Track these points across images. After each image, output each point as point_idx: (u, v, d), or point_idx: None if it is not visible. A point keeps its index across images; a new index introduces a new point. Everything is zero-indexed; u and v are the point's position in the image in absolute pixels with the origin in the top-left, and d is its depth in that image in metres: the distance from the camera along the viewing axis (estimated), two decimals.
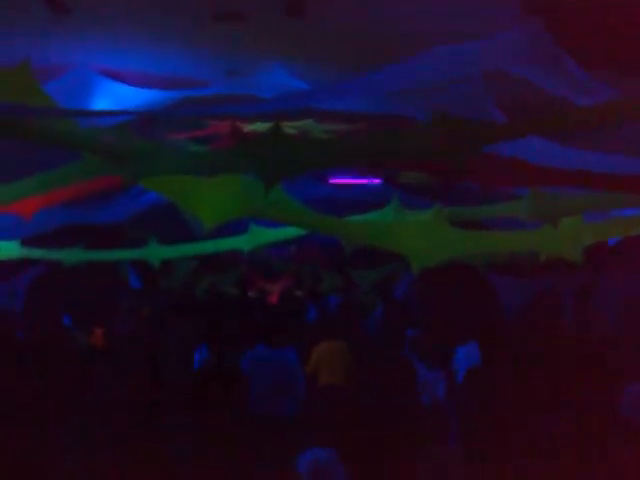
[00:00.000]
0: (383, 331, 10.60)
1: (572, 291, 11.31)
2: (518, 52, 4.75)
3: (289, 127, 7.27)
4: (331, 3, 5.59)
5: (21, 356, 6.77)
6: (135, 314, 11.89)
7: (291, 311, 12.53)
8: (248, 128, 7.47)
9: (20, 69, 4.46)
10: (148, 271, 11.49)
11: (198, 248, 9.91)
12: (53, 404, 5.99)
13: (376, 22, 5.75)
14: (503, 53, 4.76)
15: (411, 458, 5.89)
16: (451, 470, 6.41)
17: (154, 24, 6.00)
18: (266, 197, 5.16)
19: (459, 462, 6.30)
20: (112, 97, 6.42)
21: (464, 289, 11.54)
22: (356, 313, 12.29)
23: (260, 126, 7.23)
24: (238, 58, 6.78)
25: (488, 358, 6.75)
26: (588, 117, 3.99)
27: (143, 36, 6.24)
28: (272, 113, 5.58)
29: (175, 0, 5.58)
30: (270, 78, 6.43)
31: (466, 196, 7.82)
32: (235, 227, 8.37)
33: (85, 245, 10.11)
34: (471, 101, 5.58)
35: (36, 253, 10.08)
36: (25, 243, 9.69)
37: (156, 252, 10.09)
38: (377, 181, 10.49)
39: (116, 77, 6.75)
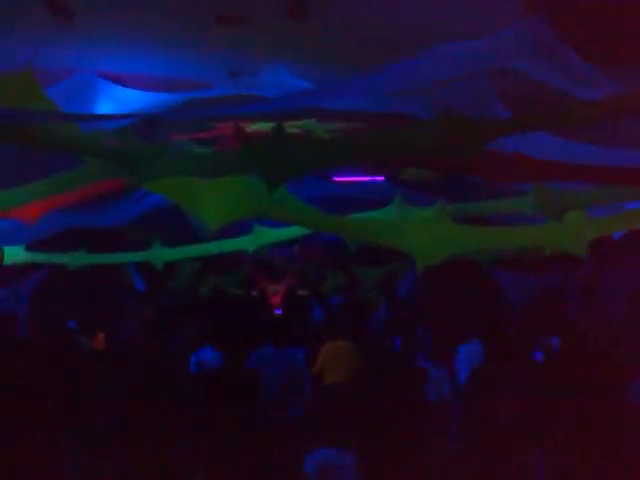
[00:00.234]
0: (387, 329, 10.60)
1: (577, 286, 11.30)
2: (521, 48, 4.74)
3: (292, 127, 7.28)
4: (333, 4, 5.59)
5: (25, 359, 6.78)
6: (139, 316, 11.91)
7: (296, 311, 12.54)
8: (251, 128, 7.48)
9: (23, 74, 4.47)
10: (152, 273, 11.49)
11: (202, 249, 9.90)
12: (56, 407, 6.00)
13: (378, 22, 5.76)
14: (506, 49, 4.75)
15: (417, 457, 5.89)
16: (456, 469, 6.41)
17: (157, 27, 6.01)
18: (270, 197, 5.17)
19: (462, 461, 6.31)
20: (115, 100, 6.43)
21: (468, 286, 11.53)
22: (361, 312, 12.28)
23: (263, 126, 7.24)
24: (241, 59, 6.79)
25: (493, 356, 6.75)
26: (592, 111, 3.99)
27: (146, 39, 6.25)
28: (275, 113, 5.58)
29: (178, 3, 5.58)
30: (272, 78, 6.43)
31: (469, 192, 7.81)
32: (239, 228, 8.36)
33: (89, 248, 10.11)
34: (474, 98, 5.57)
35: (40, 257, 10.10)
36: (29, 247, 9.71)
37: (160, 254, 10.08)
38: (380, 179, 10.50)
39: (119, 80, 6.76)
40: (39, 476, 5.52)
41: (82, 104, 6.14)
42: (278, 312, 14.25)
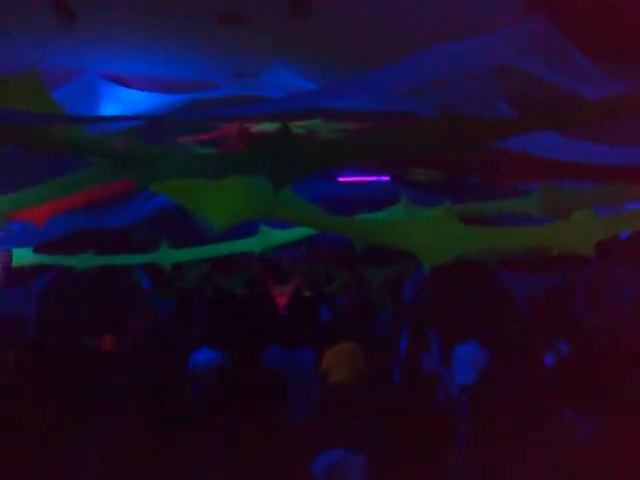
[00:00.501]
0: (394, 330, 10.59)
1: (585, 285, 11.27)
2: (525, 46, 4.73)
3: (297, 127, 7.26)
4: (336, 4, 5.59)
5: (33, 360, 6.80)
6: (147, 317, 11.95)
7: (303, 312, 12.55)
8: (256, 129, 7.47)
9: (28, 76, 4.47)
10: (160, 275, 11.51)
11: (209, 251, 9.91)
12: (63, 408, 6.02)
13: (380, 21, 5.75)
14: (510, 48, 4.74)
15: (425, 458, 5.88)
16: (463, 470, 6.40)
17: (160, 28, 6.02)
18: (275, 198, 5.17)
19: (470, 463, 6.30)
20: (120, 102, 6.44)
21: (475, 286, 11.52)
22: (366, 312, 12.28)
23: (268, 127, 7.23)
24: (245, 60, 6.79)
25: (500, 356, 6.73)
26: (598, 110, 3.97)
27: (149, 41, 6.26)
28: (280, 113, 5.58)
29: (181, 4, 5.59)
30: (277, 78, 6.43)
31: (476, 192, 7.79)
32: (245, 229, 8.37)
33: (96, 250, 10.15)
34: (479, 97, 5.55)
35: (48, 259, 10.14)
36: (37, 250, 9.75)
37: (167, 256, 10.09)
38: (385, 179, 10.47)
39: (123, 82, 6.77)
40: (42, 476, 5.54)
41: (87, 106, 6.15)
42: (285, 313, 14.28)
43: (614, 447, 5.39)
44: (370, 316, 12.15)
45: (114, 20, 5.83)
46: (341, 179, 10.41)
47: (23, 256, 9.76)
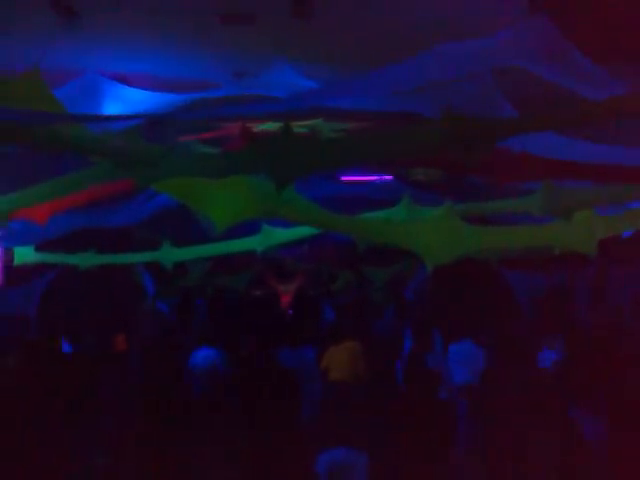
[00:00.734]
0: (397, 330, 10.58)
1: (585, 285, 11.26)
2: (525, 47, 4.73)
3: (299, 126, 7.27)
4: (337, 4, 5.59)
5: (33, 359, 6.82)
6: (150, 317, 11.97)
7: (307, 311, 12.55)
8: (258, 128, 7.48)
9: (30, 75, 4.48)
10: (162, 273, 11.53)
11: (211, 249, 9.92)
12: (64, 407, 6.03)
13: (383, 21, 5.75)
14: (510, 48, 4.74)
15: (428, 458, 5.88)
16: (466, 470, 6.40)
17: (162, 28, 6.02)
18: (278, 197, 5.17)
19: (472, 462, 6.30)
20: (122, 101, 6.44)
21: (478, 285, 11.51)
22: (370, 312, 12.28)
23: (270, 126, 7.24)
24: (247, 59, 6.80)
25: (501, 355, 6.74)
26: (600, 110, 3.97)
27: (151, 40, 6.27)
28: (282, 113, 5.58)
29: (183, 4, 5.60)
30: (279, 78, 6.43)
31: (478, 192, 7.79)
32: (247, 228, 8.37)
33: (98, 249, 10.17)
34: (481, 97, 5.55)
35: (50, 258, 10.16)
36: (39, 248, 9.76)
37: (169, 254, 10.11)
38: (388, 178, 10.46)
39: (125, 81, 6.77)
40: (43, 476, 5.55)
41: (89, 105, 6.15)
42: (289, 312, 14.28)
43: (616, 447, 5.38)
44: (373, 315, 12.15)
45: (116, 19, 5.84)
46: (343, 178, 10.41)
47: (25, 255, 9.79)
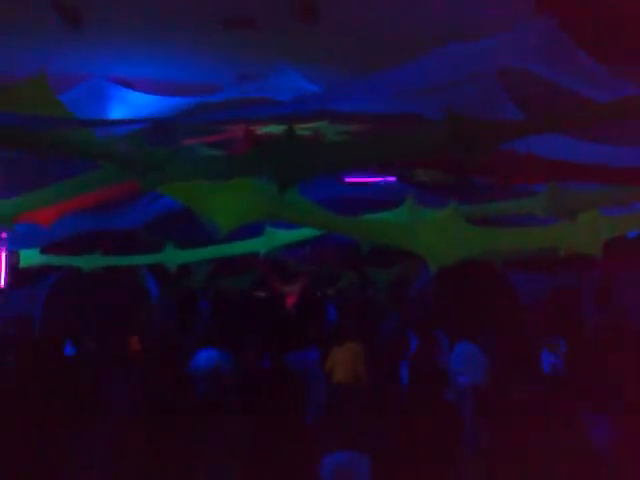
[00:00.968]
0: (401, 331, 10.59)
1: (591, 286, 11.25)
2: (533, 48, 4.72)
3: (303, 129, 7.27)
4: (341, 7, 5.59)
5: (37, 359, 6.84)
6: (154, 318, 11.99)
7: (310, 312, 12.56)
8: (262, 131, 7.48)
9: (36, 80, 4.50)
10: (166, 275, 11.55)
11: (215, 251, 9.94)
12: (65, 407, 6.05)
13: (386, 23, 5.75)
14: (515, 49, 4.74)
15: (434, 459, 5.88)
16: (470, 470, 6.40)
17: (167, 32, 6.04)
18: (281, 199, 5.18)
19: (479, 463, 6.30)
20: (127, 105, 6.45)
21: (482, 287, 11.50)
22: (373, 313, 12.28)
23: (274, 129, 7.24)
24: (250, 62, 6.80)
25: (504, 356, 6.74)
26: (606, 112, 3.97)
27: (155, 44, 6.28)
28: (286, 116, 5.59)
29: (186, 7, 5.61)
30: (283, 81, 6.44)
31: (482, 193, 7.78)
32: (251, 230, 8.38)
33: (103, 251, 10.20)
34: (485, 98, 5.55)
35: (55, 260, 10.20)
36: (44, 250, 9.80)
37: (173, 256, 10.14)
38: (392, 179, 10.45)
39: (130, 85, 6.79)
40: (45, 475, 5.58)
41: (94, 109, 6.17)
42: (292, 313, 14.29)
43: (622, 447, 5.38)
44: (376, 317, 12.15)
45: (121, 24, 5.85)
46: (347, 180, 10.40)
47: (30, 257, 9.82)
